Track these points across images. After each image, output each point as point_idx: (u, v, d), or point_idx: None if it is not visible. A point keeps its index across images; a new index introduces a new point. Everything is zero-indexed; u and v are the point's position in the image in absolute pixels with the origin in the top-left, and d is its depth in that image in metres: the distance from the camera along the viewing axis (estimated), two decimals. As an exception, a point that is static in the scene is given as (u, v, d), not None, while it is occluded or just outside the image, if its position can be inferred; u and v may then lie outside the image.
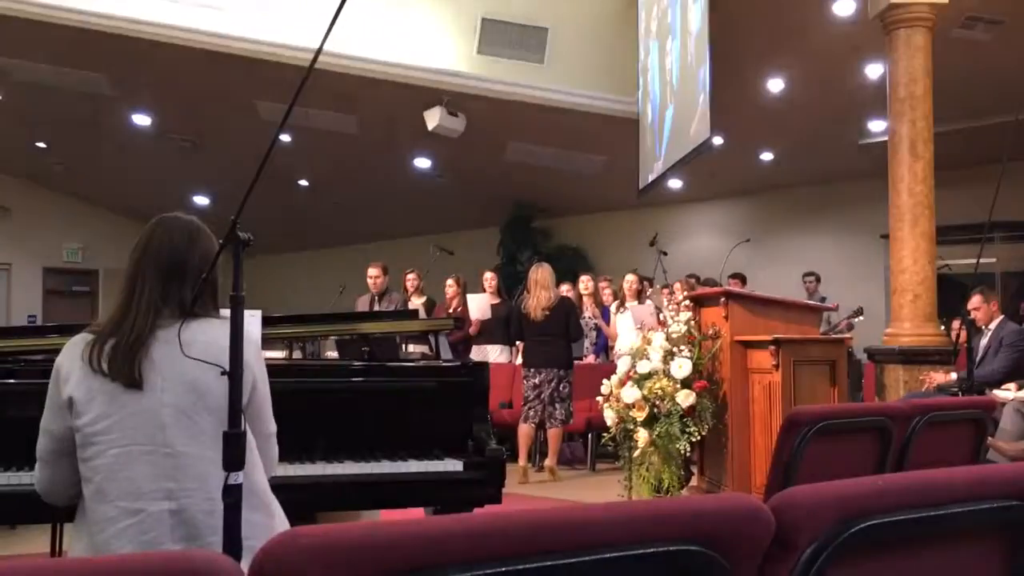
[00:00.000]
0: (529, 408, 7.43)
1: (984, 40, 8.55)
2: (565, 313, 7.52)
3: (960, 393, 5.61)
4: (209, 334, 2.13)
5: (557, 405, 7.41)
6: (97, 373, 2.06)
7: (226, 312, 2.02)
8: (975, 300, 6.41)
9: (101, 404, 2.06)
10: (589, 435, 8.19)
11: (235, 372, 1.90)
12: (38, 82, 11.42)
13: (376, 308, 8.09)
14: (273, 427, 2.32)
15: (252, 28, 9.82)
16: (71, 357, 2.12)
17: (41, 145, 14.40)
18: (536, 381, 7.43)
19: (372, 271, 8.31)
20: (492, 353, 8.63)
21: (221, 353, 1.95)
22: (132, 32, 9.74)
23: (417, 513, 3.76)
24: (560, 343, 7.50)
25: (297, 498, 2.37)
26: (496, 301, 8.80)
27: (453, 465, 3.24)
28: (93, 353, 2.08)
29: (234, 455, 1.88)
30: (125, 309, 2.15)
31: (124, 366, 2.07)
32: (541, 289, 7.46)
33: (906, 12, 6.88)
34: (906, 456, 3.30)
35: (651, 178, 9.70)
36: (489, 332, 8.67)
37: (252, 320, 3.13)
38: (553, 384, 7.41)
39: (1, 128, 13.52)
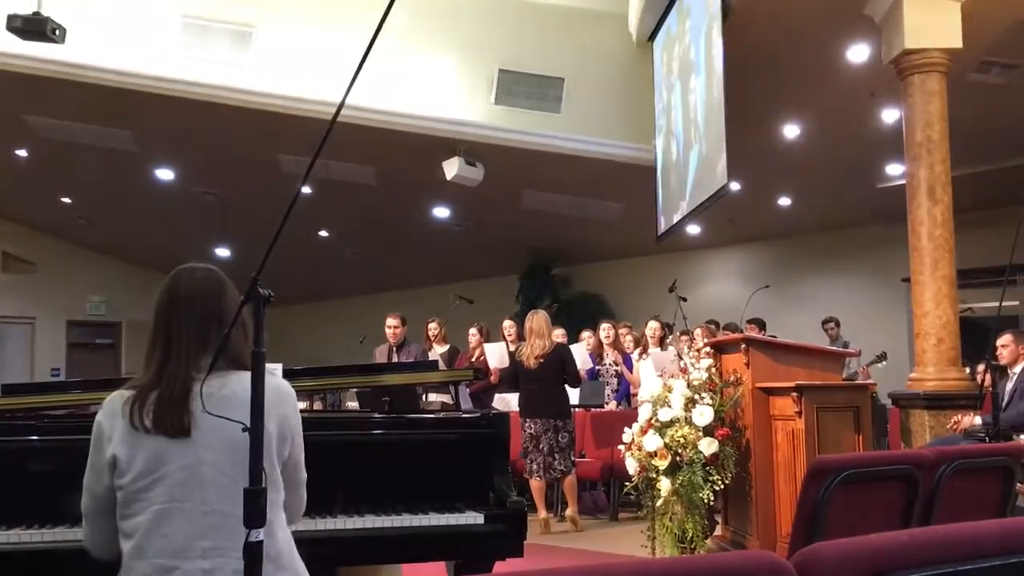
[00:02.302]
0: (531, 461, 7.29)
1: (1000, 83, 8.57)
2: (560, 360, 7.41)
3: (987, 438, 5.52)
4: (245, 385, 2.10)
5: (556, 456, 7.25)
6: (139, 430, 2.06)
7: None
8: (1006, 338, 6.36)
9: (143, 462, 2.05)
10: (611, 483, 8.10)
11: (256, 427, 1.89)
12: (63, 139, 11.63)
13: (394, 359, 8.08)
14: (305, 475, 2.32)
15: (273, 83, 9.99)
16: (110, 415, 2.11)
17: (66, 200, 14.62)
18: (532, 431, 7.30)
19: (391, 321, 8.31)
20: (513, 401, 8.58)
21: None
22: (156, 89, 9.93)
23: (438, 567, 3.73)
24: (554, 391, 7.38)
25: (318, 552, 2.35)
26: (515, 349, 8.77)
27: (474, 518, 3.20)
28: (134, 410, 2.08)
29: (254, 512, 1.87)
30: (164, 361, 2.14)
31: (170, 418, 2.06)
32: (535, 337, 7.38)
33: (920, 57, 6.91)
34: (934, 505, 3.25)
35: (676, 218, 9.68)
36: (508, 380, 8.63)
37: (275, 373, 3.13)
38: (549, 434, 7.27)
39: (27, 184, 13.75)
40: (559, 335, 8.40)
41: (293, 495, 2.26)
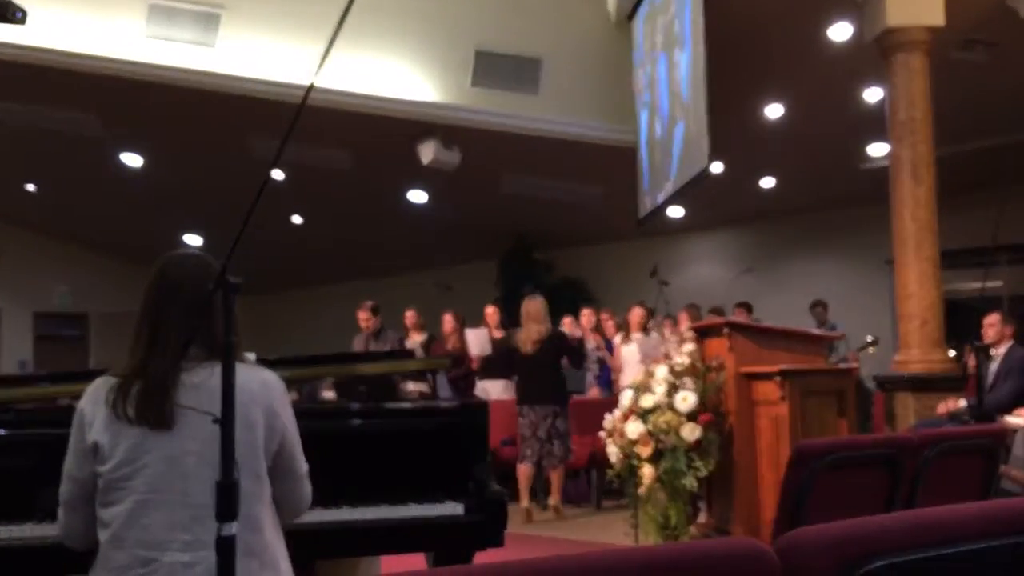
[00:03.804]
0: (526, 447, 7.26)
1: (983, 62, 8.54)
2: (557, 346, 7.37)
3: (971, 420, 5.52)
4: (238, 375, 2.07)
5: (555, 442, 7.23)
6: (122, 419, 2.03)
7: (249, 355, 1.98)
8: (993, 318, 6.38)
9: (125, 450, 2.02)
10: (593, 472, 8.05)
11: (227, 419, 1.83)
12: (27, 124, 11.40)
13: (371, 348, 7.99)
14: (305, 467, 2.29)
15: (242, 66, 9.84)
16: (94, 401, 2.08)
17: (30, 188, 14.36)
18: (531, 419, 7.25)
19: (361, 314, 8.21)
20: (494, 391, 8.47)
21: (245, 398, 1.93)
22: (122, 72, 9.75)
23: (418, 558, 3.67)
24: (553, 378, 7.34)
25: (295, 545, 2.30)
26: (499, 335, 8.69)
27: (454, 508, 3.16)
28: (118, 399, 2.04)
29: (227, 505, 1.83)
30: (149, 350, 2.10)
31: (152, 410, 2.03)
32: (532, 322, 7.31)
33: (903, 36, 6.87)
34: (917, 488, 3.23)
35: (661, 198, 9.58)
36: (491, 367, 8.54)
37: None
38: (548, 421, 7.23)
39: (-11, 171, 13.48)
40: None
41: (290, 486, 2.24)
